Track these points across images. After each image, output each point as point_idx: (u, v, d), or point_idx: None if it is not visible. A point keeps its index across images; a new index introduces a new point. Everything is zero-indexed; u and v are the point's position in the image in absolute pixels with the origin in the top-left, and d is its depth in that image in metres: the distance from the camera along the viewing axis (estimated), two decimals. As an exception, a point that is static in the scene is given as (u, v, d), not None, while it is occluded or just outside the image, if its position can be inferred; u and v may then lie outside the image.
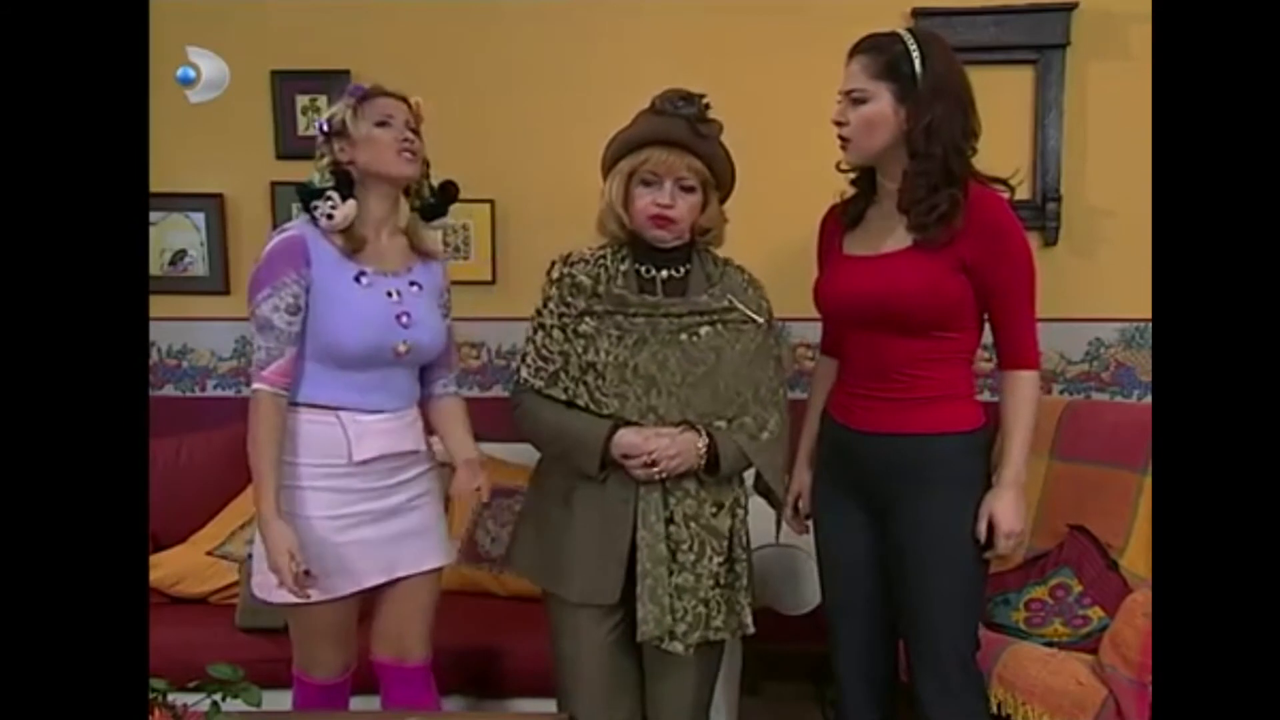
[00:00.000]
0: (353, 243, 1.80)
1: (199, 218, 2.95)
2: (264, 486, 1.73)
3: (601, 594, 1.78)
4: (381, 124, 1.79)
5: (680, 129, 1.72)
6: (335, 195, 1.78)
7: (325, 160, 1.82)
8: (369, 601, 1.92)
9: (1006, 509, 1.74)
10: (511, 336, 2.86)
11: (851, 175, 1.86)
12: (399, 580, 1.89)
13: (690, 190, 1.75)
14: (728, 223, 1.84)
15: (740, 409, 1.78)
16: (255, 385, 1.76)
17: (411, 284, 1.87)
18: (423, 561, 1.91)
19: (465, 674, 2.26)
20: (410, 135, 1.81)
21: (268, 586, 1.79)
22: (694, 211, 1.76)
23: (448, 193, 1.93)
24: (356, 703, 1.99)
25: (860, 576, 1.88)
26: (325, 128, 1.82)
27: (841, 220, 1.88)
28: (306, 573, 1.72)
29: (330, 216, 1.78)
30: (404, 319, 1.82)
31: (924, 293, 1.72)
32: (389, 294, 1.82)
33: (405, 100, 1.84)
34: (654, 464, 1.71)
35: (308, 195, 1.79)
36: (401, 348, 1.81)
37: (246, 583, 2.34)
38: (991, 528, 1.74)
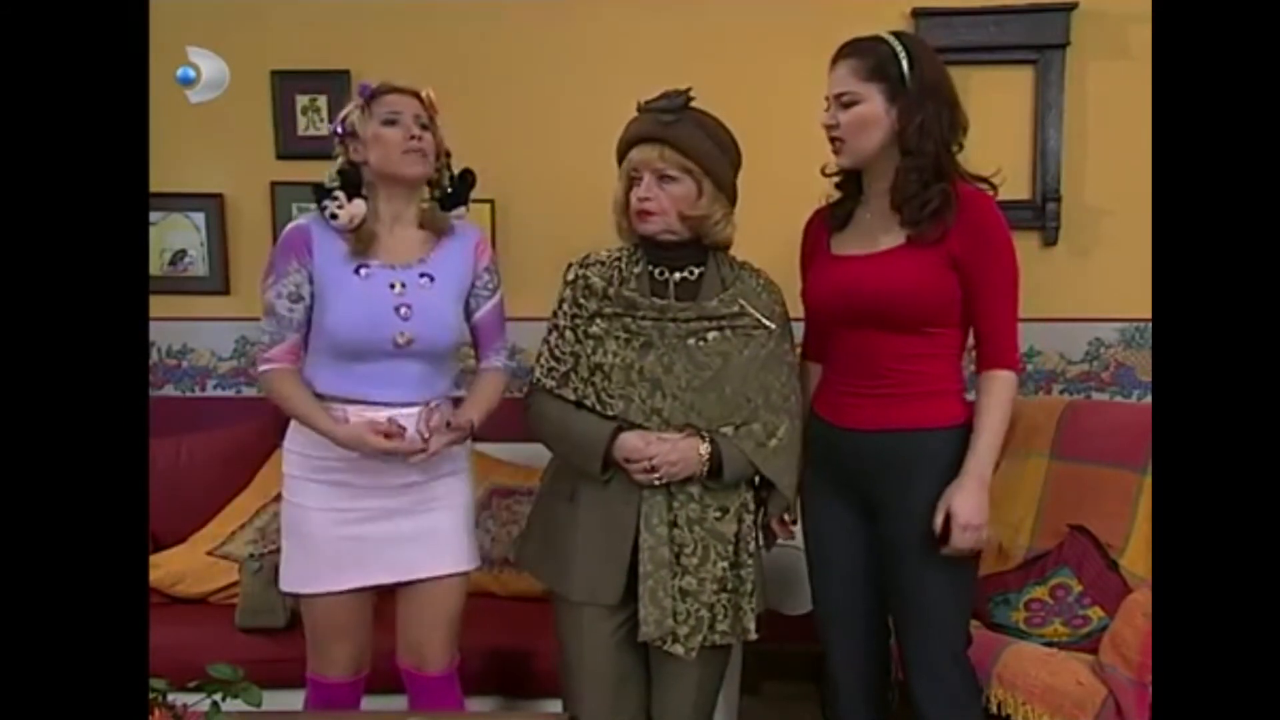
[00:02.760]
0: (361, 242, 1.80)
1: (199, 218, 2.95)
2: (318, 421, 1.78)
3: (603, 594, 1.78)
4: (389, 122, 1.79)
5: (646, 123, 1.75)
6: (341, 195, 1.80)
7: (340, 160, 1.84)
8: (390, 605, 1.91)
9: (965, 500, 1.69)
10: (511, 335, 2.84)
11: (837, 179, 1.87)
12: (414, 585, 1.88)
13: (672, 180, 1.75)
14: (733, 209, 1.82)
15: (749, 415, 1.78)
16: (263, 367, 1.82)
17: (422, 276, 1.84)
18: (433, 566, 1.87)
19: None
20: (419, 132, 1.80)
21: (290, 579, 1.85)
22: (680, 202, 1.76)
23: (466, 181, 1.93)
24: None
25: (852, 576, 1.87)
26: (340, 129, 1.84)
27: (829, 223, 1.88)
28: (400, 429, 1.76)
29: (335, 216, 1.79)
30: (403, 310, 1.80)
31: (919, 288, 1.73)
32: (391, 286, 1.81)
33: (416, 94, 1.83)
34: (654, 469, 1.71)
35: (318, 194, 1.82)
36: (401, 339, 1.80)
37: (248, 582, 2.36)
38: (949, 520, 1.70)
